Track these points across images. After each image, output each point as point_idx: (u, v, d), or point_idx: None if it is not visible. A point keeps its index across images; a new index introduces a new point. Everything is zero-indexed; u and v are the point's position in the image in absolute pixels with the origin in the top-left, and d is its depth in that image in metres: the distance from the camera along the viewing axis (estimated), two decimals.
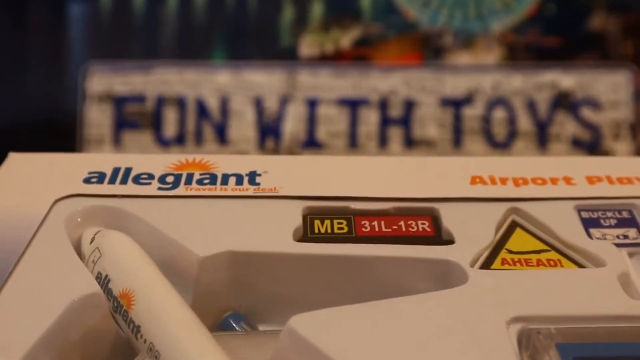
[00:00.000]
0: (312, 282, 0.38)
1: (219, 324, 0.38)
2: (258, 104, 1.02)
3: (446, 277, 0.37)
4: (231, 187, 0.41)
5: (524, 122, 1.01)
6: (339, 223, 0.39)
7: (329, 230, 0.39)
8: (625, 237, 0.38)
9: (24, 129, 1.02)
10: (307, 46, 1.04)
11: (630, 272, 0.36)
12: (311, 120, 1.02)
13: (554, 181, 0.42)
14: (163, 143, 1.02)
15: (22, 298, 0.34)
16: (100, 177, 0.42)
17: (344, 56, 1.04)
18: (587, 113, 1.00)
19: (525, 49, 1.03)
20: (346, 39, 1.04)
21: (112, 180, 0.41)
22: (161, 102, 1.02)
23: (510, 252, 0.38)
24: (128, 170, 0.42)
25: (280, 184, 0.41)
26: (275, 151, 1.02)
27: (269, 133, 1.02)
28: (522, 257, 0.37)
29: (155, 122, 1.02)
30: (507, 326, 0.33)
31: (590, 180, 0.42)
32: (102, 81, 1.02)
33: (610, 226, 0.39)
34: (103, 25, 1.05)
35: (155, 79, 1.03)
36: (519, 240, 0.38)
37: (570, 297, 0.34)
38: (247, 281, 0.38)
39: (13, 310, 0.34)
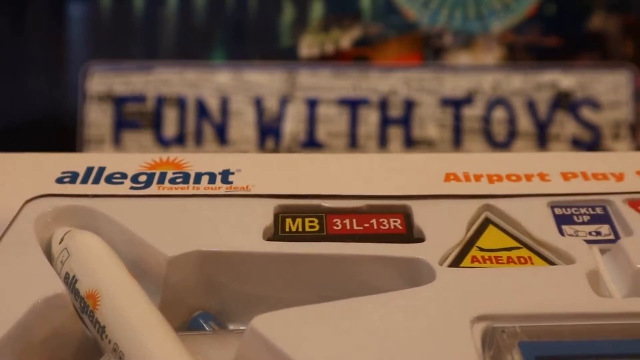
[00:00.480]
0: (282, 281, 0.38)
1: (188, 324, 0.38)
2: (258, 104, 1.02)
3: (415, 275, 0.36)
4: (203, 186, 0.41)
5: (524, 122, 1.01)
6: (310, 221, 0.39)
7: (300, 229, 0.39)
8: (598, 233, 0.38)
9: (24, 129, 1.02)
10: (307, 46, 1.04)
11: (600, 268, 0.36)
12: (311, 120, 1.02)
13: (528, 177, 0.41)
14: (163, 143, 1.02)
15: None
16: (73, 177, 0.41)
17: (344, 56, 1.04)
18: (587, 113, 1.00)
19: (525, 49, 1.03)
20: (346, 39, 1.04)
21: (85, 180, 0.41)
22: (161, 102, 1.02)
23: (481, 249, 0.37)
24: (101, 170, 0.42)
25: (253, 183, 0.41)
26: (275, 151, 1.02)
27: (269, 133, 1.02)
28: (492, 254, 0.37)
29: (155, 122, 1.03)
30: (472, 325, 0.33)
31: (565, 176, 0.42)
32: (102, 81, 1.02)
33: (583, 222, 0.39)
34: (103, 25, 1.05)
35: (155, 79, 1.03)
36: (491, 238, 0.38)
37: (538, 295, 0.34)
38: (217, 280, 0.38)
39: None
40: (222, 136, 1.02)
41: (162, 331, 0.33)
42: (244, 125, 1.02)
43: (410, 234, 0.39)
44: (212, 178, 0.41)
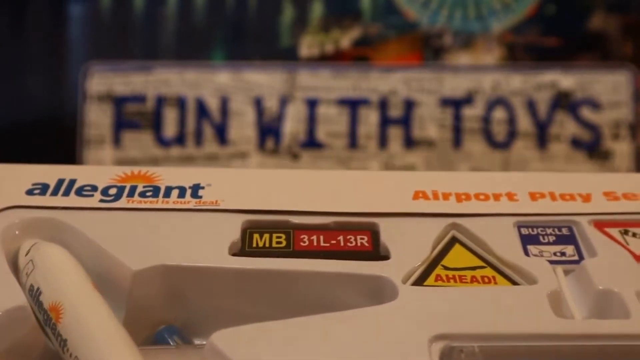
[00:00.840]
0: (247, 297, 0.38)
1: (153, 337, 0.38)
2: (258, 104, 1.02)
3: (378, 293, 0.36)
4: (173, 200, 0.41)
5: (524, 122, 1.00)
6: (277, 237, 0.39)
7: (267, 244, 0.39)
8: (562, 254, 0.38)
9: (24, 129, 1.03)
10: (307, 46, 1.04)
11: (563, 289, 0.36)
12: (311, 120, 1.02)
13: (496, 197, 0.41)
14: (163, 143, 1.03)
15: None
16: (43, 189, 0.41)
17: (344, 56, 1.04)
18: (586, 113, 1.00)
19: (525, 49, 1.02)
20: (346, 39, 1.04)
21: (55, 192, 0.41)
22: (161, 102, 1.03)
23: (446, 268, 0.37)
24: (72, 182, 0.42)
25: (222, 197, 0.41)
26: (275, 151, 1.02)
27: (269, 133, 1.02)
28: (457, 273, 0.37)
29: (155, 122, 1.03)
30: (430, 344, 0.33)
31: (533, 196, 0.41)
32: (102, 81, 1.02)
33: (548, 243, 0.39)
34: (103, 25, 1.05)
35: (155, 79, 1.03)
36: (456, 257, 0.38)
37: (498, 315, 0.34)
38: (182, 295, 0.38)
39: None
40: (222, 136, 1.03)
41: (123, 345, 0.34)
42: (244, 125, 1.02)
43: (376, 252, 0.39)
44: (182, 192, 0.42)
